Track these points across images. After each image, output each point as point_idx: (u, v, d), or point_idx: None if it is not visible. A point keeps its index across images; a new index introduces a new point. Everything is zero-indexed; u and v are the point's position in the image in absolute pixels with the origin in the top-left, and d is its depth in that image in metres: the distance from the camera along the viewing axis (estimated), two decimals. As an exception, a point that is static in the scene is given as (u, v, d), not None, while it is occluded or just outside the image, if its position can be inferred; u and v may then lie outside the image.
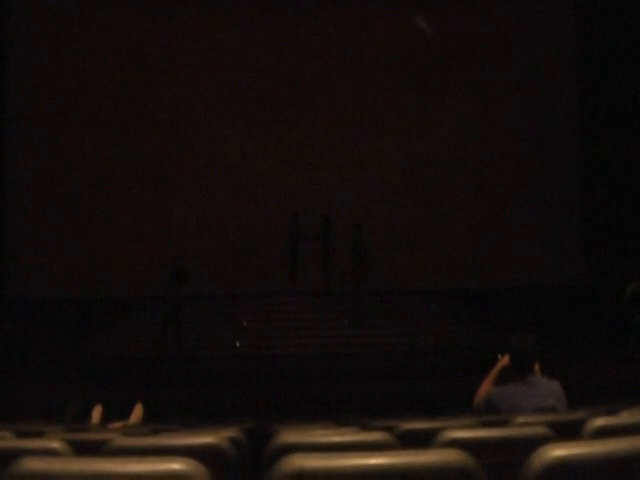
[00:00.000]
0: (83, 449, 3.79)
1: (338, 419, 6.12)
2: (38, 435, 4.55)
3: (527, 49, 19.41)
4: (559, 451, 2.68)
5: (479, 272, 18.73)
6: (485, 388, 6.06)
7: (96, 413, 7.23)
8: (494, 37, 19.45)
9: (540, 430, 3.85)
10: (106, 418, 7.15)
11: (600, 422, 3.87)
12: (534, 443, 3.09)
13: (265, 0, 19.22)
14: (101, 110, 18.78)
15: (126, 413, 7.24)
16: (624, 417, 4.33)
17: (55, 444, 3.62)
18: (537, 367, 5.96)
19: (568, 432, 3.83)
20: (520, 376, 5.63)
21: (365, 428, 4.69)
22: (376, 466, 2.67)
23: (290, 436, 3.94)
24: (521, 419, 4.52)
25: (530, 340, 5.71)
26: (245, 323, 16.37)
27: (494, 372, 6.10)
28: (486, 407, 5.62)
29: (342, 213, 17.89)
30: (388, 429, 4.13)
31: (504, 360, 6.09)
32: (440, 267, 18.85)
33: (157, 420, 7.29)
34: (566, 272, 18.84)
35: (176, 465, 2.58)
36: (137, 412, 7.30)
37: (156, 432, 5.08)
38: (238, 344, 15.59)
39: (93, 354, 15.33)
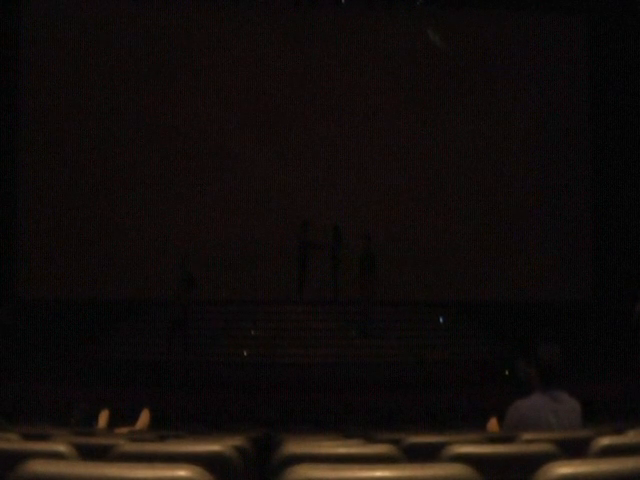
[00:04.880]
0: (89, 453, 3.78)
1: (344, 431, 6.11)
2: (44, 438, 4.55)
3: (539, 67, 19.41)
4: (565, 469, 2.67)
5: (488, 285, 18.71)
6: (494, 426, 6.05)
7: (103, 418, 7.22)
8: (506, 51, 19.46)
9: (546, 447, 3.83)
10: (113, 423, 7.15)
11: (606, 441, 3.86)
12: (540, 460, 3.08)
13: (275, 12, 19.27)
14: (109, 116, 18.82)
15: (133, 418, 7.23)
16: (631, 436, 4.31)
17: (61, 447, 3.62)
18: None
19: (574, 450, 3.81)
20: (545, 388, 5.54)
21: (371, 441, 4.68)
22: (381, 479, 2.67)
23: (296, 446, 3.93)
24: (527, 436, 4.51)
25: (558, 351, 5.61)
26: (253, 332, 16.36)
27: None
28: (517, 423, 5.51)
29: (350, 223, 17.88)
30: (394, 442, 4.12)
31: (493, 424, 6.09)
32: (449, 279, 18.84)
33: (163, 425, 7.28)
34: (575, 287, 18.82)
35: (182, 472, 2.58)
36: (144, 418, 7.29)
37: (162, 438, 5.08)
38: (246, 353, 15.58)
39: (100, 356, 15.35)
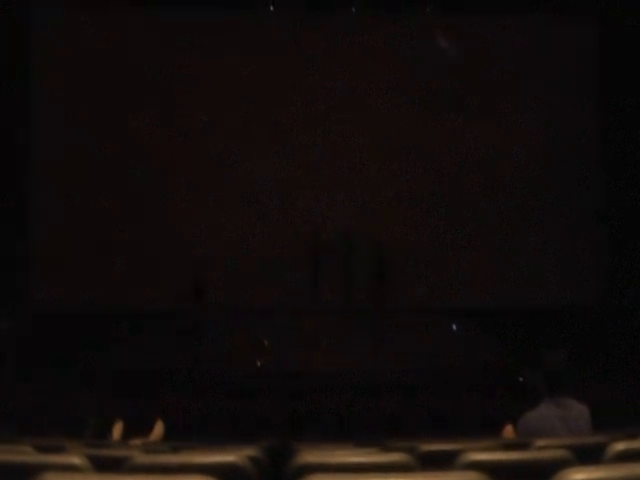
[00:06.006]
0: (103, 465, 3.80)
1: (358, 439, 6.10)
2: (59, 450, 4.57)
3: (548, 71, 19.37)
4: (580, 475, 2.67)
5: (498, 291, 18.63)
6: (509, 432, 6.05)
7: (117, 429, 7.24)
8: (514, 55, 19.37)
9: (561, 453, 3.83)
10: (126, 435, 7.15)
11: (621, 446, 3.85)
12: (555, 466, 3.08)
13: (280, 22, 19.32)
14: (125, 125, 18.88)
15: (145, 429, 7.24)
16: (646, 441, 4.28)
17: (76, 460, 3.63)
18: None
19: (588, 456, 3.81)
20: (551, 396, 5.52)
21: (385, 449, 4.68)
22: (396, 487, 2.67)
23: (310, 456, 3.93)
24: (542, 442, 4.50)
25: (563, 357, 5.59)
26: (266, 342, 16.37)
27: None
28: (528, 435, 5.44)
29: (361, 230, 17.90)
30: (408, 450, 4.12)
31: (508, 431, 6.10)
32: (459, 285, 18.75)
33: (174, 435, 7.28)
34: (586, 291, 18.72)
35: (196, 483, 2.59)
36: (158, 429, 7.30)
37: (176, 449, 5.09)
38: (259, 363, 15.60)
39: (109, 364, 15.32)
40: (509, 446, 4.55)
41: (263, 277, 18.34)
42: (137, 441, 6.73)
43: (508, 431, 6.17)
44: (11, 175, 17.74)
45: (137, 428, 7.30)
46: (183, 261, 17.81)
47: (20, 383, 13.94)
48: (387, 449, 4.64)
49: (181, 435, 7.41)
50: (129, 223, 18.66)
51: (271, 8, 19.32)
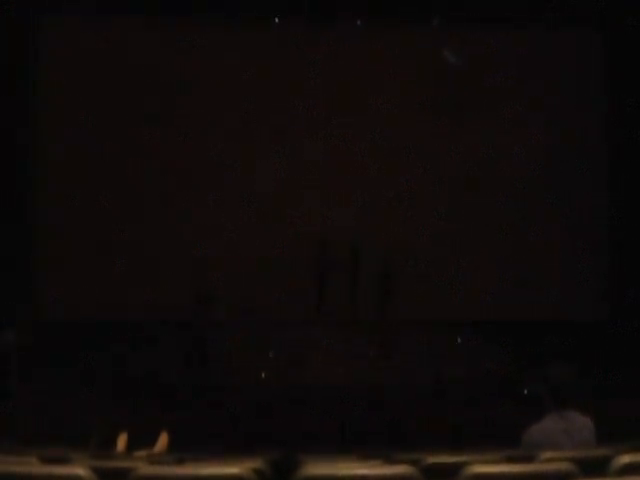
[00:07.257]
0: (108, 477, 3.81)
1: (363, 451, 6.10)
2: (63, 461, 4.57)
3: (548, 69, 19.29)
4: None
5: (498, 291, 18.58)
6: None
7: (121, 441, 7.23)
8: (515, 59, 19.35)
9: (565, 466, 3.83)
10: (131, 446, 7.15)
11: (626, 459, 3.86)
12: (559, 479, 3.08)
13: (283, 28, 19.28)
14: (125, 125, 18.85)
15: (151, 441, 7.23)
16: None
17: (80, 471, 3.65)
18: None
19: (593, 469, 3.81)
20: (557, 409, 5.52)
21: (390, 461, 4.68)
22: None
23: (315, 468, 3.94)
24: (547, 455, 4.50)
25: (570, 372, 5.60)
26: (271, 354, 16.35)
27: None
28: (531, 448, 5.41)
29: (368, 241, 17.85)
30: (413, 462, 4.12)
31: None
32: (459, 285, 18.68)
33: (179, 446, 7.28)
34: (586, 292, 18.67)
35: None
36: (162, 441, 7.30)
37: (181, 461, 5.10)
38: (264, 375, 15.59)
39: (114, 375, 15.32)
40: (514, 459, 4.55)
41: (263, 277, 18.33)
42: (142, 452, 6.74)
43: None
44: (11, 175, 17.73)
45: (142, 439, 7.30)
46: (183, 261, 17.81)
47: (21, 383, 13.92)
48: (392, 461, 4.64)
49: (183, 443, 7.41)
50: (129, 223, 18.63)
51: (276, 20, 19.24)
